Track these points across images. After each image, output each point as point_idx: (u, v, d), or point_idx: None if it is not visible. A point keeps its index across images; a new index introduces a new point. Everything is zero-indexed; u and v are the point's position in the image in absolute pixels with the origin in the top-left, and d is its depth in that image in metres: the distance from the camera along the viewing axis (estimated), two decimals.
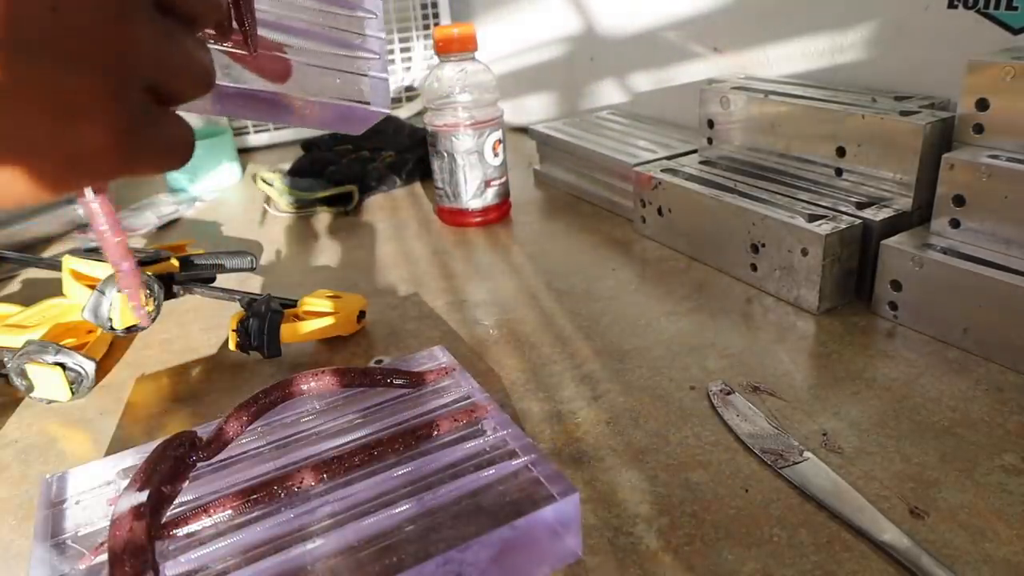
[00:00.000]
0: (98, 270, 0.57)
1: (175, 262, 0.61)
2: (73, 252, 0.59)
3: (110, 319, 0.54)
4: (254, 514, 0.33)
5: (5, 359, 0.52)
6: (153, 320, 0.57)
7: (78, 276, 0.58)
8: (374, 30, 0.33)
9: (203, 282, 0.63)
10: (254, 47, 0.29)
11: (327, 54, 0.31)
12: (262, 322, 0.53)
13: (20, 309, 0.58)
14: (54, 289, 0.59)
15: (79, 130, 0.19)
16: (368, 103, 0.32)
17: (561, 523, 0.34)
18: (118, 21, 0.19)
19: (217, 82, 0.28)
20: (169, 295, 0.61)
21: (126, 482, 0.33)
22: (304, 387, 0.40)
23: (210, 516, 0.33)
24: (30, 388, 0.52)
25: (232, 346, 0.54)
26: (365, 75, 0.32)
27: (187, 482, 0.35)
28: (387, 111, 0.33)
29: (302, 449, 0.38)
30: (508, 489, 0.34)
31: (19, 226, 0.83)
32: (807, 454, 0.40)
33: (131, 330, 0.55)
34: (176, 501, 0.34)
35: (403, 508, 0.33)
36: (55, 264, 0.63)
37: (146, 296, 0.56)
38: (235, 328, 0.54)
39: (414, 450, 0.37)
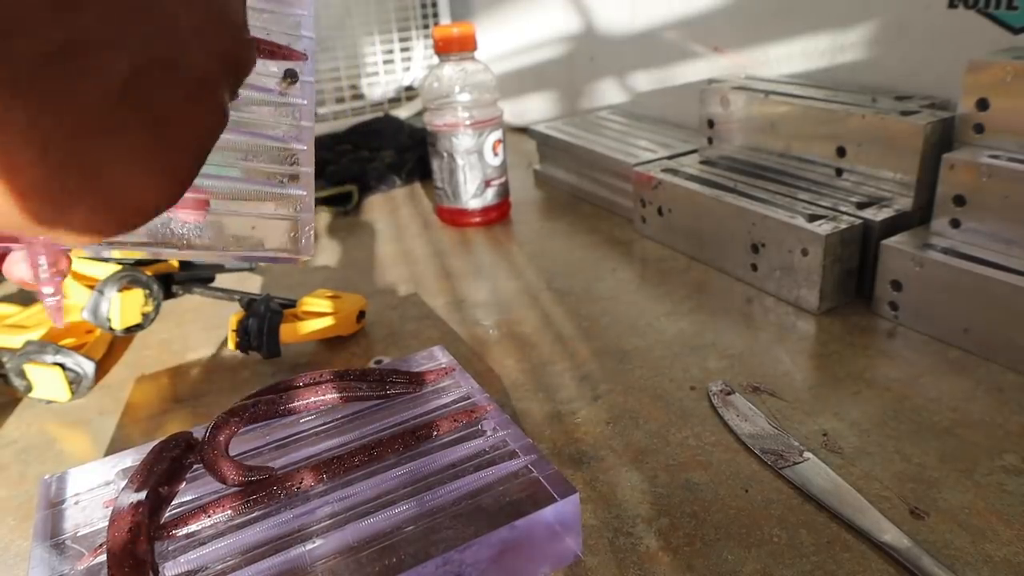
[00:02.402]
0: (98, 270, 0.57)
1: (175, 262, 0.61)
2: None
3: (109, 319, 0.54)
4: (254, 514, 0.33)
5: (4, 359, 0.52)
6: (152, 321, 0.57)
7: (78, 276, 0.58)
8: (305, 164, 0.28)
9: (202, 282, 0.63)
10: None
11: (251, 196, 0.27)
12: (261, 322, 0.53)
13: (19, 309, 0.58)
14: None
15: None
16: (289, 250, 0.28)
17: (561, 523, 0.34)
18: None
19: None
20: (168, 295, 0.61)
21: (125, 483, 0.33)
22: (302, 403, 0.40)
23: (209, 516, 0.33)
24: (29, 388, 0.52)
25: (232, 346, 0.54)
26: (296, 218, 0.28)
27: (184, 483, 0.35)
28: (311, 255, 0.28)
29: (302, 449, 0.38)
30: (508, 489, 0.34)
31: None
32: (807, 454, 0.40)
33: (131, 330, 0.55)
34: (175, 501, 0.34)
35: (403, 508, 0.33)
36: None
37: (146, 296, 0.56)
38: (234, 328, 0.54)
39: (414, 450, 0.37)
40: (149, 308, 0.57)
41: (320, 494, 0.34)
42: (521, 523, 0.32)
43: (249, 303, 0.56)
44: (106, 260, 0.58)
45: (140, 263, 0.59)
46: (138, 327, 0.56)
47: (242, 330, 0.54)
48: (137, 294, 0.56)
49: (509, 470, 0.35)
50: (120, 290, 0.54)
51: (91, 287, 0.54)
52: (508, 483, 0.34)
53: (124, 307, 0.55)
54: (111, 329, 0.54)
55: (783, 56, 0.72)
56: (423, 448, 0.37)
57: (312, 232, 0.28)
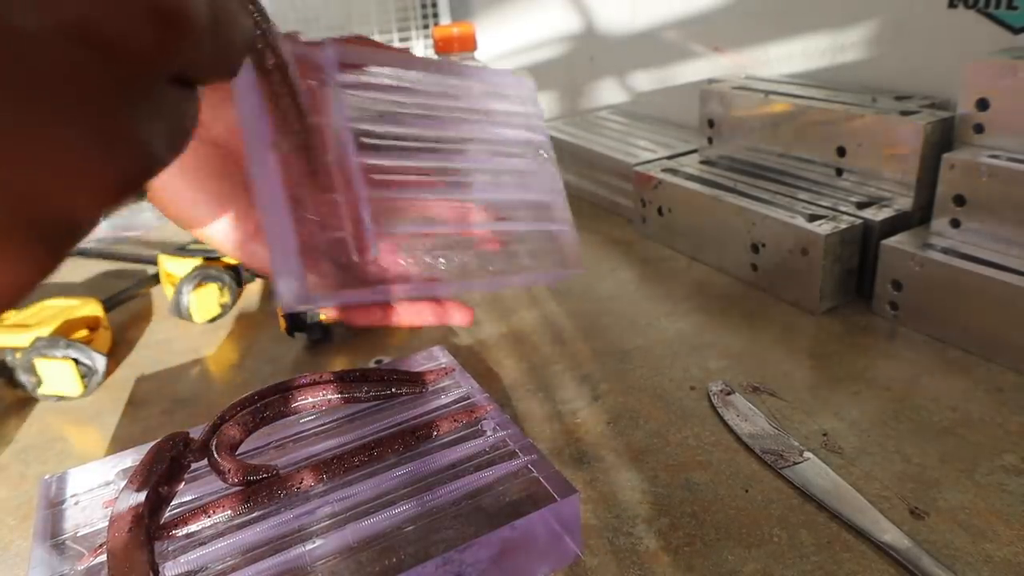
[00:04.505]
0: (180, 268, 0.63)
1: None
2: (164, 251, 0.65)
3: (191, 314, 0.60)
4: (254, 514, 0.33)
5: (8, 359, 0.52)
6: (231, 307, 0.63)
7: (167, 275, 0.64)
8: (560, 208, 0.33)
9: None
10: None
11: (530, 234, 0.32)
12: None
13: (15, 310, 0.58)
14: (48, 290, 0.59)
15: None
16: (566, 266, 0.32)
17: (561, 523, 0.34)
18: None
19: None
20: (240, 282, 0.66)
21: (125, 483, 0.33)
22: (304, 404, 0.40)
23: (210, 516, 0.33)
24: (38, 384, 0.52)
25: (281, 328, 0.57)
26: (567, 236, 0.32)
27: (184, 483, 0.35)
28: (583, 270, 0.33)
29: (302, 449, 0.38)
30: (508, 489, 0.34)
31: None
32: (807, 454, 0.40)
33: (213, 320, 0.62)
34: (176, 501, 0.34)
35: (403, 508, 0.33)
36: (147, 260, 0.72)
37: (220, 288, 0.62)
38: (284, 313, 0.57)
39: (414, 450, 0.37)
40: (226, 298, 0.62)
41: (320, 494, 0.34)
42: (521, 523, 0.32)
43: None
44: (185, 255, 0.63)
45: (208, 259, 0.63)
46: (219, 316, 0.62)
47: (294, 313, 0.56)
48: (211, 289, 0.61)
49: (509, 470, 0.35)
50: (195, 288, 0.60)
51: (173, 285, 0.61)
52: (508, 483, 0.34)
53: (200, 303, 0.61)
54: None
55: (783, 56, 0.72)
56: (423, 448, 0.37)
57: (579, 247, 0.33)
